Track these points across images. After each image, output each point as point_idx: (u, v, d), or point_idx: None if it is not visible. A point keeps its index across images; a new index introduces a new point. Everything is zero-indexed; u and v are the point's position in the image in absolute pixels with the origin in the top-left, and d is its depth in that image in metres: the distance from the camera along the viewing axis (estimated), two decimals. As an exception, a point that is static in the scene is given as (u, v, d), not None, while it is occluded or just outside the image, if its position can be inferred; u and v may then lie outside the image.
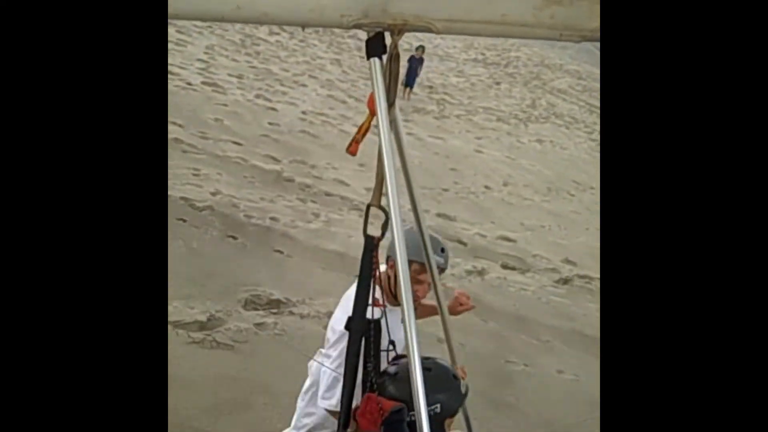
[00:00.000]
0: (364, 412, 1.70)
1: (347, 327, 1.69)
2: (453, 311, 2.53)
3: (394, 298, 2.36)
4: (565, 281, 7.13)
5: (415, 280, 2.13)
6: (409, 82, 13.57)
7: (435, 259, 2.07)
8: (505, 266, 7.10)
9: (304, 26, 1.42)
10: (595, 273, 6.91)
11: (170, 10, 1.22)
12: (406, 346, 1.39)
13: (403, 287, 1.38)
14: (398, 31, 1.33)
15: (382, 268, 2.44)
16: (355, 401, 1.75)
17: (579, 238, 8.69)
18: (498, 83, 18.61)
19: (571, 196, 10.88)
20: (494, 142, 12.99)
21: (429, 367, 1.65)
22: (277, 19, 1.41)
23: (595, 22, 1.18)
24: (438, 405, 1.75)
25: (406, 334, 1.39)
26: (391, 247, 2.34)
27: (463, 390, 1.88)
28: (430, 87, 15.84)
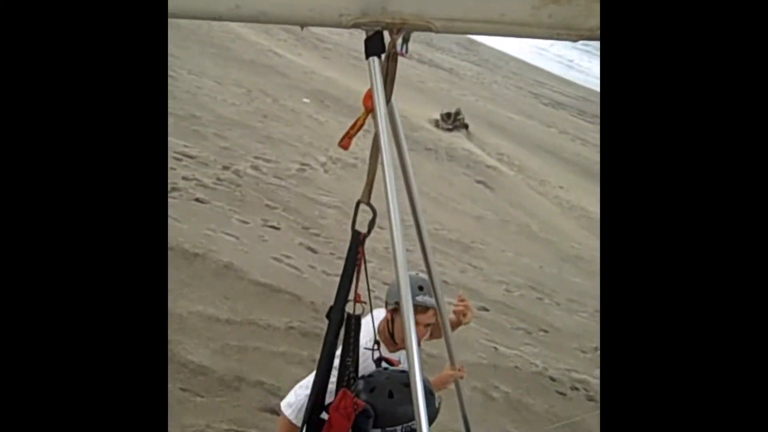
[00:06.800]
0: (338, 406, 1.71)
1: (327, 316, 1.70)
2: (457, 319, 2.52)
3: (393, 344, 2.35)
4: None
5: None
6: None
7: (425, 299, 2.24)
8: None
9: (303, 25, 1.41)
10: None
11: (169, 8, 1.21)
12: (409, 367, 1.32)
13: (404, 292, 1.35)
14: (397, 30, 1.33)
15: (382, 313, 2.42)
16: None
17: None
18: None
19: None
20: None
21: (407, 383, 1.54)
22: (275, 19, 1.40)
23: (594, 21, 1.19)
24: (414, 422, 1.75)
25: (408, 349, 1.33)
26: (390, 291, 2.37)
27: (437, 404, 1.89)
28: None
